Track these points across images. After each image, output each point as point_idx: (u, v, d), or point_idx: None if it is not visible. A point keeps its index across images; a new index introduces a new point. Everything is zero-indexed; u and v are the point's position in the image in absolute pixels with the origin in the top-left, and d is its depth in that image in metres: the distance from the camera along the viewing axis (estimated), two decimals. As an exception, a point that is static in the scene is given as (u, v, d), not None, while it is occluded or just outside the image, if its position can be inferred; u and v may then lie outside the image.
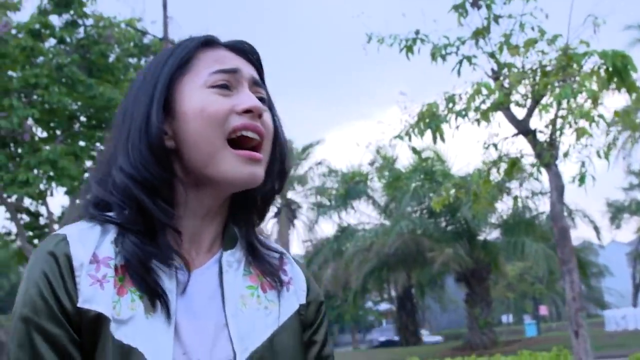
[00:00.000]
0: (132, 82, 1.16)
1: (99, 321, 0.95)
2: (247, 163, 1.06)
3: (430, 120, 8.56)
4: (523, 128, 8.51)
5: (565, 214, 8.73)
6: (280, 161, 1.18)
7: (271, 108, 1.16)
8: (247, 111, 1.07)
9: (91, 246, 1.01)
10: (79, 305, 0.96)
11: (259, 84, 1.13)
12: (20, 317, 0.98)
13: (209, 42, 1.14)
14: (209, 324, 1.03)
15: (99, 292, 0.97)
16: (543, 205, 24.66)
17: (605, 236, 50.09)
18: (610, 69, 7.38)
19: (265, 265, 1.15)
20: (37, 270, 0.99)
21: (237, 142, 1.07)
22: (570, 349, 8.21)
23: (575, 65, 7.74)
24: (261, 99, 1.12)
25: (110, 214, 1.06)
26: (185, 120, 1.06)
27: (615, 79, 7.48)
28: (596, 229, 25.79)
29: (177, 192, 1.08)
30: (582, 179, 7.34)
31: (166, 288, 1.01)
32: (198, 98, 1.06)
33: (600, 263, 37.85)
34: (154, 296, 0.99)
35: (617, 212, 40.64)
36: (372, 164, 25.79)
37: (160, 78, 1.08)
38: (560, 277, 22.12)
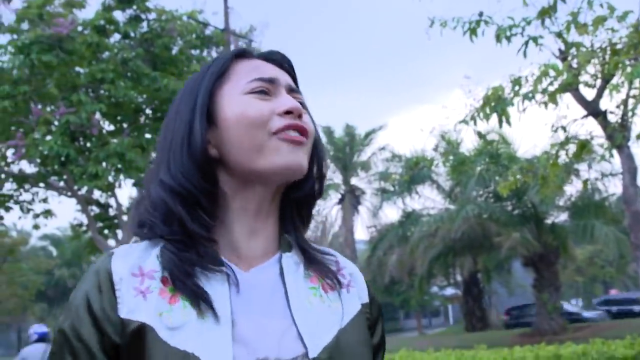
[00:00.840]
0: (173, 100, 1.18)
1: (143, 331, 0.96)
2: (293, 148, 1.07)
3: (495, 104, 8.39)
4: (593, 109, 8.27)
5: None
6: (318, 164, 1.18)
7: (308, 113, 1.18)
8: (288, 112, 1.08)
9: (134, 261, 1.03)
10: (122, 316, 0.98)
11: (295, 90, 1.15)
12: (58, 330, 1.02)
13: (244, 54, 1.17)
14: (273, 321, 1.03)
15: (142, 303, 0.99)
16: (613, 187, 23.99)
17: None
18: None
19: (323, 268, 1.15)
20: (80, 287, 1.04)
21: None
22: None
23: (647, 42, 7.46)
24: (300, 104, 1.12)
25: (155, 228, 1.08)
26: (227, 126, 1.08)
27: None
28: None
29: (222, 199, 1.09)
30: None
31: (216, 291, 1.01)
32: (238, 104, 1.09)
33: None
34: (202, 301, 0.99)
35: None
36: (435, 149, 25.53)
37: (200, 90, 1.11)
38: (632, 261, 21.50)
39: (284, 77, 1.14)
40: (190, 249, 1.04)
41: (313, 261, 1.15)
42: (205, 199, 1.06)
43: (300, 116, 1.09)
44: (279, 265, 1.10)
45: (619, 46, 7.88)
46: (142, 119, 15.31)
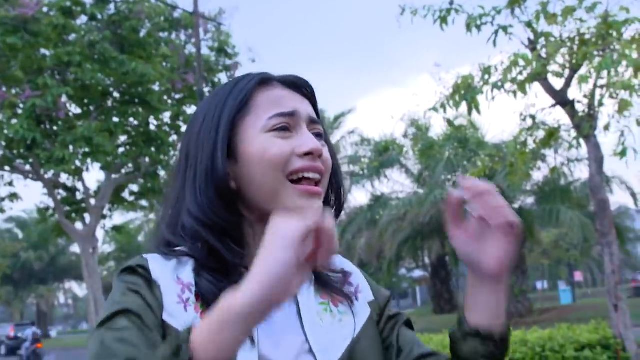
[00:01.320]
0: (192, 120, 1.19)
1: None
2: (307, 198, 1.10)
3: (465, 92, 8.43)
4: (561, 99, 8.35)
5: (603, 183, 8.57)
6: (337, 189, 1.23)
7: (327, 141, 1.19)
8: (308, 153, 1.10)
9: (172, 269, 1.07)
10: (163, 317, 1.00)
11: (315, 121, 1.16)
12: (97, 324, 0.99)
13: (264, 81, 1.16)
14: (289, 340, 1.08)
15: (182, 312, 1.02)
16: (579, 172, 24.37)
17: (642, 201, 49.30)
18: (652, 36, 7.18)
19: (332, 286, 1.19)
20: (119, 284, 1.04)
21: (297, 180, 1.11)
22: (608, 319, 8.12)
23: (615, 34, 7.54)
24: (318, 134, 1.15)
25: (182, 248, 1.10)
26: (247, 163, 1.10)
27: (657, 47, 7.29)
28: (633, 195, 25.33)
29: (246, 231, 1.13)
30: (623, 153, 7.17)
31: None
32: (259, 142, 1.10)
33: (637, 228, 37.31)
34: None
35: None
36: (405, 135, 25.67)
37: (221, 122, 1.13)
38: (596, 244, 21.85)
39: (304, 108, 1.15)
40: (224, 278, 1.06)
41: (322, 279, 1.19)
42: (232, 229, 1.11)
43: (320, 155, 1.12)
44: None
45: (587, 37, 7.95)
46: (109, 103, 15.12)
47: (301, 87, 1.19)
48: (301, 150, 1.10)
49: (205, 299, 1.04)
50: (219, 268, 1.08)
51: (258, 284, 0.84)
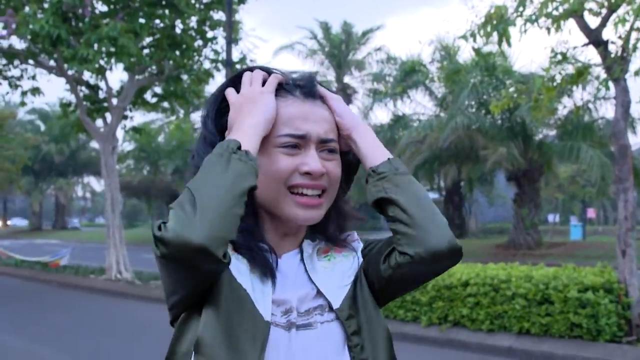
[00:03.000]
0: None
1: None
2: (305, 209, 1.31)
3: (497, 23, 8.25)
4: (595, 38, 8.15)
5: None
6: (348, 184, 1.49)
7: (343, 153, 1.41)
8: (308, 173, 1.30)
9: None
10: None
11: (326, 140, 1.33)
12: None
13: (280, 86, 1.36)
14: (300, 289, 1.31)
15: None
16: (603, 110, 23.98)
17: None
18: (698, -18, 6.92)
19: (336, 241, 1.44)
20: None
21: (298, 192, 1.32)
22: (615, 259, 8.19)
23: (659, -25, 7.27)
24: (330, 150, 1.34)
25: None
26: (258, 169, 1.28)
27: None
28: (658, 139, 25.06)
29: (261, 215, 1.37)
30: (651, 99, 7.03)
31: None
32: (268, 156, 1.30)
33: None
34: (257, 263, 1.29)
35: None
36: (432, 60, 25.17)
37: None
38: (612, 183, 21.70)
39: (316, 130, 1.32)
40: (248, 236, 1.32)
41: (330, 240, 1.42)
42: (250, 213, 1.32)
43: (321, 176, 1.31)
44: (300, 250, 1.39)
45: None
46: (136, 3, 14.89)
47: (316, 94, 1.37)
48: (303, 169, 1.29)
49: (237, 245, 1.30)
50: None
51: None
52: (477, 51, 11.33)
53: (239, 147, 1.20)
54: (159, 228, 1.11)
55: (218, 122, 1.38)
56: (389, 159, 1.35)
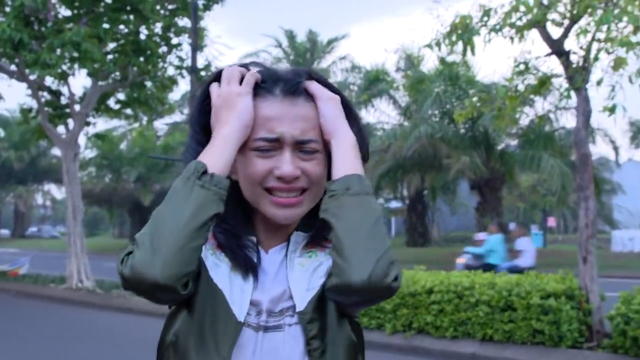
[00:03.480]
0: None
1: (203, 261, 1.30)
2: (283, 210, 1.31)
3: (462, 32, 8.35)
4: (557, 48, 8.29)
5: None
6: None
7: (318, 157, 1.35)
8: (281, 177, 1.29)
9: None
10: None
11: (302, 142, 1.30)
12: None
13: (263, 89, 1.33)
14: (276, 289, 1.31)
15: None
16: (564, 120, 24.38)
17: (623, 155, 49.64)
18: (656, -6, 7.09)
19: (321, 239, 1.39)
20: None
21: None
22: (575, 267, 8.32)
23: (619, -12, 7.44)
24: (309, 151, 1.31)
25: None
26: (238, 168, 1.34)
27: (659, 5, 7.21)
28: (616, 149, 25.55)
29: (252, 209, 1.37)
30: (612, 109, 7.18)
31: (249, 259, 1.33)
32: (245, 159, 1.32)
33: (614, 180, 37.76)
34: (239, 262, 1.31)
35: (638, 132, 40.23)
36: (397, 69, 25.36)
37: None
38: (572, 192, 22.01)
39: (289, 132, 1.29)
40: (235, 234, 1.35)
41: (316, 238, 1.39)
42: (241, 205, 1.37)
43: (296, 178, 1.29)
44: (287, 243, 1.37)
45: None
46: (100, 8, 14.73)
47: (299, 92, 1.32)
48: (275, 173, 1.29)
49: (221, 243, 1.35)
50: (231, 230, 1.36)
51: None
52: (442, 60, 11.44)
53: (205, 171, 1.23)
54: (122, 261, 1.18)
55: (202, 119, 1.38)
56: (345, 175, 1.26)
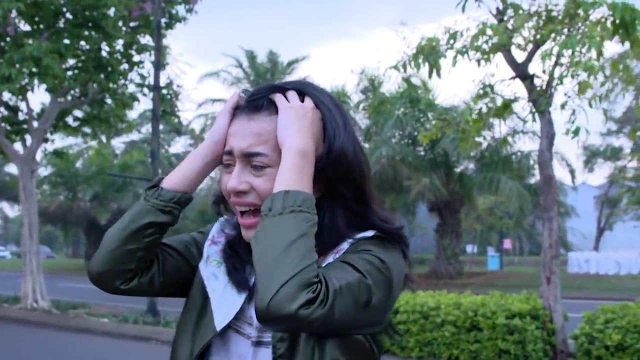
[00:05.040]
0: None
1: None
2: (247, 229, 1.33)
3: (429, 54, 8.44)
4: (521, 72, 8.43)
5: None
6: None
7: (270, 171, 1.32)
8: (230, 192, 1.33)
9: (214, 230, 1.52)
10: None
11: (249, 154, 1.30)
12: None
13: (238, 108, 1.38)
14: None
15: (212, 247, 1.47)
16: (521, 144, 24.79)
17: (577, 178, 50.79)
18: (618, 21, 7.27)
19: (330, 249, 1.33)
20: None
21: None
22: (535, 288, 8.39)
23: (582, 14, 7.62)
24: (259, 166, 1.29)
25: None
26: None
27: (620, 32, 7.40)
28: (572, 172, 26.07)
29: None
30: (576, 132, 7.32)
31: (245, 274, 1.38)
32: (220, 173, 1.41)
33: (568, 203, 38.49)
34: (232, 279, 1.37)
35: (592, 156, 41.14)
36: (362, 91, 25.47)
37: None
38: (529, 215, 22.28)
39: (238, 145, 1.31)
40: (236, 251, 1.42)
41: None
42: None
43: (245, 193, 1.30)
44: None
45: (554, 13, 8.01)
46: (61, 24, 14.53)
47: (259, 108, 1.32)
48: (224, 190, 1.36)
49: (225, 259, 1.42)
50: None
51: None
52: (408, 81, 11.52)
53: (155, 185, 1.38)
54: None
55: None
56: (273, 193, 1.20)
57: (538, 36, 8.05)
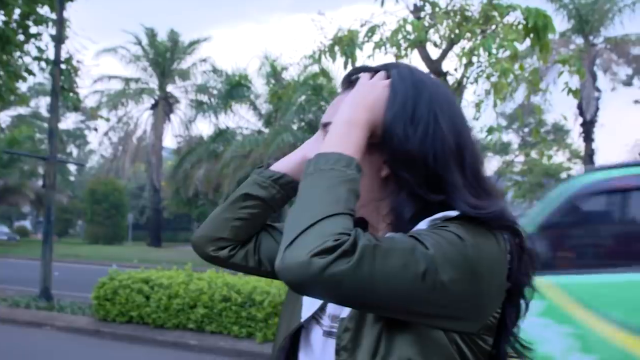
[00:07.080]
0: None
1: None
2: None
3: (347, 46, 8.48)
4: (435, 69, 8.63)
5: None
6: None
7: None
8: None
9: None
10: None
11: (324, 124, 1.35)
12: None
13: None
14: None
15: None
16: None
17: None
18: (530, 25, 7.56)
19: None
20: None
21: None
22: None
23: (497, 17, 7.86)
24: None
25: None
26: None
27: (531, 36, 7.70)
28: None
29: None
30: (490, 130, 7.57)
31: None
32: None
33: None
34: None
35: (481, 149, 42.71)
36: (268, 82, 25.27)
37: None
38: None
39: (326, 118, 1.34)
40: None
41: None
42: None
43: None
44: None
45: (468, 13, 8.23)
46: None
47: (348, 85, 1.35)
48: None
49: None
50: None
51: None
52: (324, 72, 11.53)
53: (269, 165, 1.53)
54: None
55: None
56: (318, 154, 1.15)
57: (453, 35, 8.26)
